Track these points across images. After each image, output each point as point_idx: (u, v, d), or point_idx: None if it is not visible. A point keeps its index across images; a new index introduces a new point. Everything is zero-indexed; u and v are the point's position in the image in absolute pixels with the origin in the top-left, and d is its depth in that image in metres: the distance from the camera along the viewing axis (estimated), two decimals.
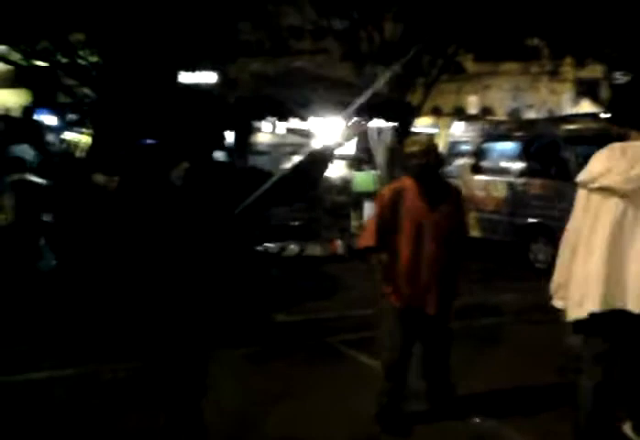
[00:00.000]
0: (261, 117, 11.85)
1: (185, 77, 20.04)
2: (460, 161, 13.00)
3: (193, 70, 20.33)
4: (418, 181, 4.95)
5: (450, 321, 5.13)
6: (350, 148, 13.58)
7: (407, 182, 4.99)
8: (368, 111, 12.23)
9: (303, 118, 11.47)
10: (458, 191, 5.27)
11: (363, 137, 13.82)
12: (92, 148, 7.80)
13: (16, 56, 18.65)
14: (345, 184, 12.79)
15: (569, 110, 29.39)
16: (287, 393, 5.20)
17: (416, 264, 4.90)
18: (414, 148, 4.95)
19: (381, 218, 4.97)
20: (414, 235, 4.88)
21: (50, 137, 15.18)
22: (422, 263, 4.90)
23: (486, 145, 12.56)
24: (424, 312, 4.95)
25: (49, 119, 16.50)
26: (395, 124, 12.70)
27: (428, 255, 4.89)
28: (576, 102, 29.58)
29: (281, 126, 12.74)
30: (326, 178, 11.52)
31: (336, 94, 11.97)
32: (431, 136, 5.74)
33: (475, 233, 11.69)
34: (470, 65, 28.53)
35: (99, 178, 7.52)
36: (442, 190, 5.02)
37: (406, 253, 4.90)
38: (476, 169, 12.46)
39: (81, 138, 8.71)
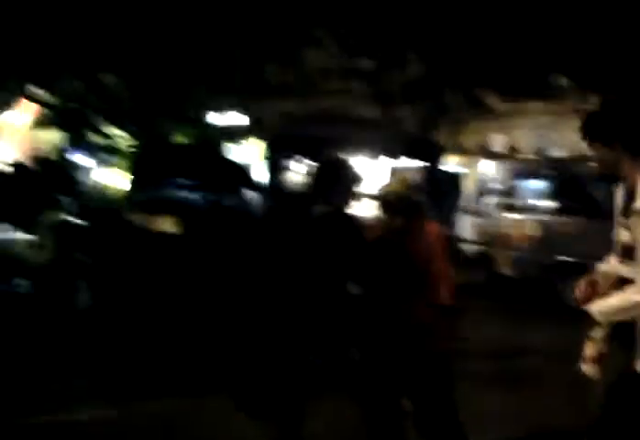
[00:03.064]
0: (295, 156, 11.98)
1: (213, 118, 20.32)
2: (490, 199, 13.01)
3: (221, 110, 20.59)
4: None
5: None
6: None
7: None
8: (397, 150, 12.39)
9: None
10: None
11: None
12: (130, 190, 7.92)
13: (47, 97, 19.00)
14: None
15: None
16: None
17: None
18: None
19: None
20: None
21: (83, 178, 15.37)
22: None
23: (516, 183, 12.58)
24: None
25: (82, 160, 16.75)
26: (423, 163, 12.77)
27: None
28: None
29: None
30: None
31: (365, 134, 12.09)
32: (403, 176, 5.41)
33: (507, 271, 11.84)
34: (496, 103, 28.66)
35: (140, 218, 7.61)
36: None
37: None
38: (506, 207, 12.47)
39: (113, 179, 8.83)
